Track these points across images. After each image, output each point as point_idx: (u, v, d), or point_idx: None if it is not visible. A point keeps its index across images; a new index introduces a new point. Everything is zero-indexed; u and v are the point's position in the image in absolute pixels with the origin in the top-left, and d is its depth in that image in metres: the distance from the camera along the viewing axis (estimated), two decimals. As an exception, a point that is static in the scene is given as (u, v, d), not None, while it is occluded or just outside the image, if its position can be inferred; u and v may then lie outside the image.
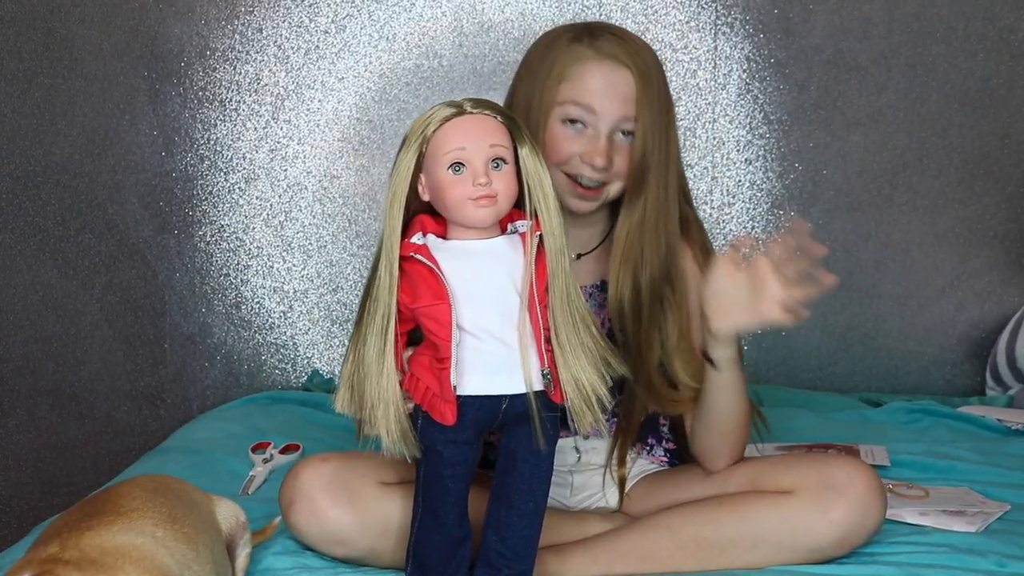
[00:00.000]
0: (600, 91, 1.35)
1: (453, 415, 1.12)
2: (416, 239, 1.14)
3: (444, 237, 1.16)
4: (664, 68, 1.41)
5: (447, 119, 1.13)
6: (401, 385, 1.16)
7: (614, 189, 1.39)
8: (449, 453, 1.14)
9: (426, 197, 1.16)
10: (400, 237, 1.14)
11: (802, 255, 1.21)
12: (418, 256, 1.13)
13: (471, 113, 1.13)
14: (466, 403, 1.13)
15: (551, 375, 1.14)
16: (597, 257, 1.47)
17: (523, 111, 1.38)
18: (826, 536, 1.30)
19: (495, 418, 1.14)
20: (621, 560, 1.34)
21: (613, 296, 1.38)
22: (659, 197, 1.37)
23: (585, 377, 1.15)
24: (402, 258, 1.14)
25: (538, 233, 1.14)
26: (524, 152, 1.14)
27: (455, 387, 1.12)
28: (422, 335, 1.17)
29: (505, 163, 1.13)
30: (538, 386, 1.13)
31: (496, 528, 1.18)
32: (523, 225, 1.15)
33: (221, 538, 1.23)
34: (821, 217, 2.39)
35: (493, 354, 1.13)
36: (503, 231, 1.17)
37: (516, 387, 1.13)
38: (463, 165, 1.12)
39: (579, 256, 1.47)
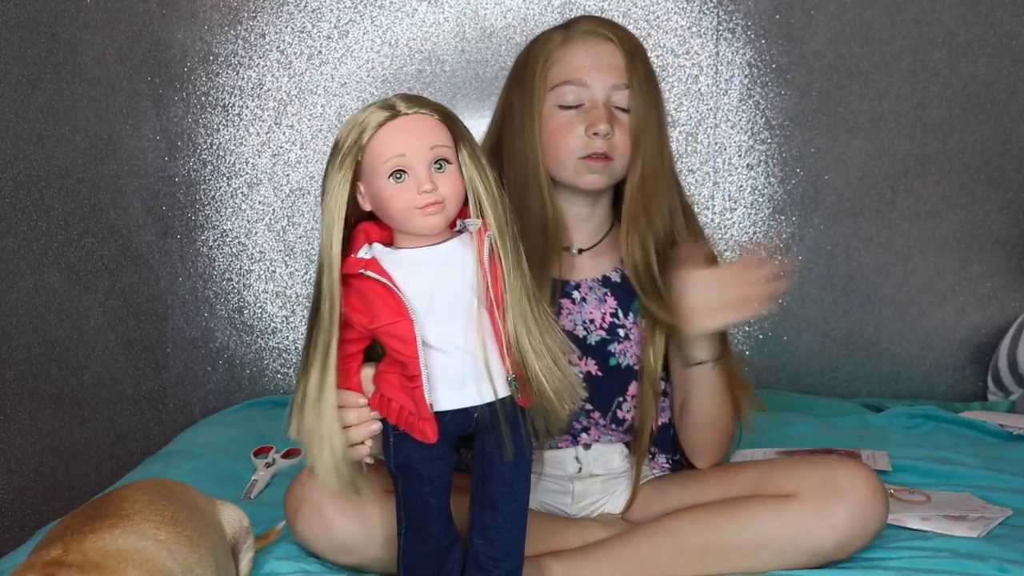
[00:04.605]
0: (588, 65, 1.39)
1: (434, 432, 1.07)
2: (363, 253, 1.08)
3: (390, 244, 1.10)
4: (654, 62, 1.47)
5: (381, 124, 1.05)
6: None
7: (619, 165, 1.41)
8: (426, 470, 1.11)
9: (367, 207, 1.09)
10: (342, 256, 1.06)
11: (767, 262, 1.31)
12: (369, 272, 1.06)
13: (406, 114, 1.06)
14: (442, 419, 1.08)
15: (516, 380, 1.09)
16: (598, 253, 1.49)
17: (517, 113, 1.41)
18: (828, 540, 1.30)
19: (467, 428, 1.10)
20: (623, 566, 1.34)
21: (628, 262, 1.43)
22: (654, 159, 1.40)
23: (551, 380, 1.10)
24: (352, 275, 1.07)
25: (488, 234, 1.07)
26: (464, 151, 1.08)
27: (431, 404, 1.07)
28: (381, 352, 1.11)
29: (448, 163, 1.06)
30: (504, 393, 1.09)
31: (482, 532, 1.15)
32: (472, 224, 1.08)
33: (225, 541, 1.24)
34: (822, 222, 2.39)
35: (460, 366, 1.07)
36: (451, 228, 1.10)
37: (486, 397, 1.08)
38: (405, 172, 1.05)
39: (580, 252, 1.48)
